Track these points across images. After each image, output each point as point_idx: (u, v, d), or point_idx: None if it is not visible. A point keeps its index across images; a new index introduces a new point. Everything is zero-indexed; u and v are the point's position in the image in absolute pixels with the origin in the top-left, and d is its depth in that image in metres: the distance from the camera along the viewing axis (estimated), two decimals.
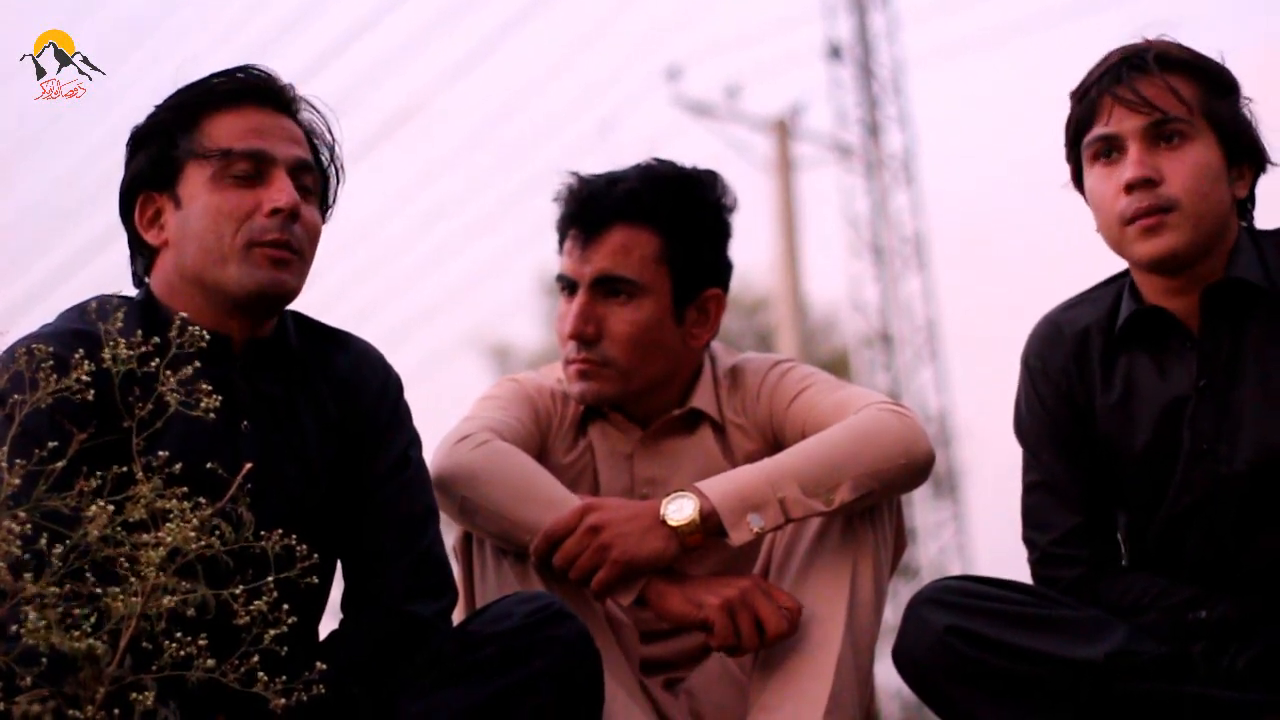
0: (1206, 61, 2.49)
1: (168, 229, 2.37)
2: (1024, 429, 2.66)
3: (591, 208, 2.87)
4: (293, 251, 2.34)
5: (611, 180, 2.90)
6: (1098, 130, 2.48)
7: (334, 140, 2.48)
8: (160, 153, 2.38)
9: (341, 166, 2.50)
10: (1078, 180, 2.57)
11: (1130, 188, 2.43)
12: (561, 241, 2.93)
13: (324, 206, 2.48)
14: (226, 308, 2.34)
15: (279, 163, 2.36)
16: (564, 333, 2.88)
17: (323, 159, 2.47)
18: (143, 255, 2.42)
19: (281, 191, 2.33)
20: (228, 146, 2.34)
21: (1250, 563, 2.47)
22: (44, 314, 2.35)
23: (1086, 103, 2.49)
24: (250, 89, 2.39)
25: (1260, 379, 2.46)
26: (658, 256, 2.86)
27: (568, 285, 2.88)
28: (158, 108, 2.41)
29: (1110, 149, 2.47)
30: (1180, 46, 2.50)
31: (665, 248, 2.86)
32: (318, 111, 2.46)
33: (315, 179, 2.42)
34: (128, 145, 2.42)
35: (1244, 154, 2.49)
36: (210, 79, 2.40)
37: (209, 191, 2.34)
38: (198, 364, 1.96)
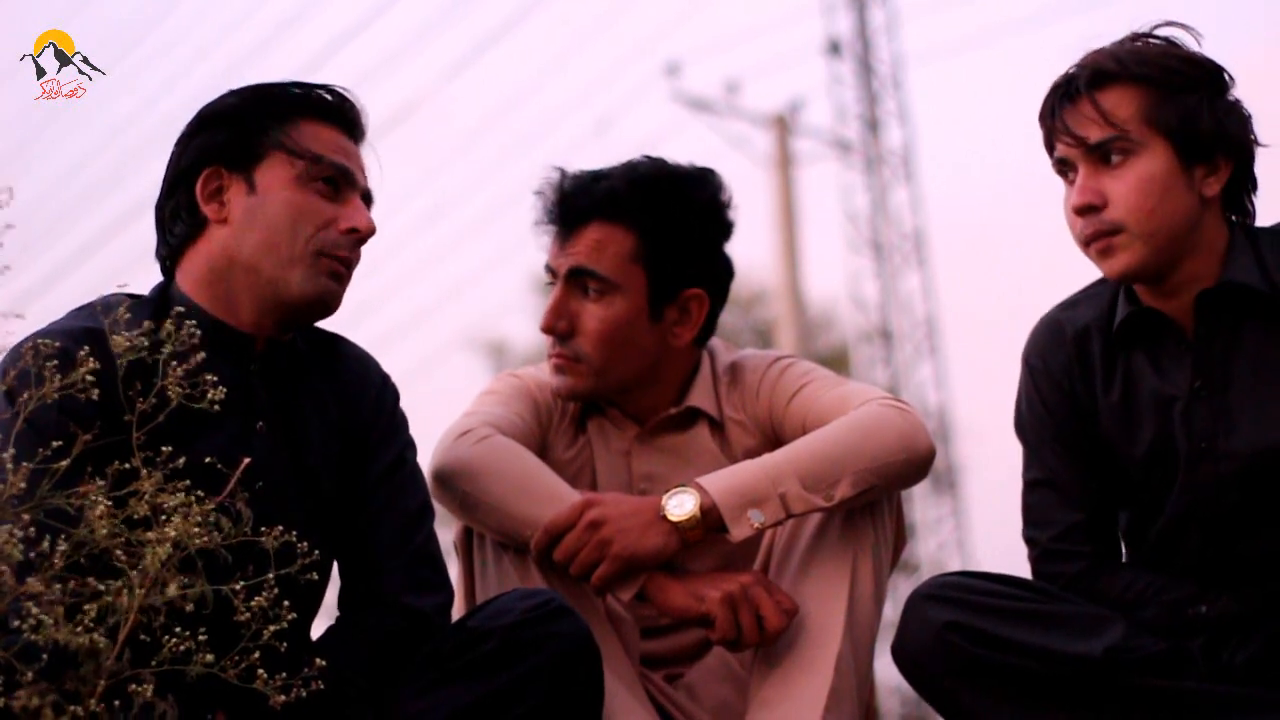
0: (1154, 65, 2.44)
1: (232, 208, 2.36)
2: (1024, 427, 2.66)
3: (569, 203, 2.88)
4: (350, 270, 2.40)
5: (595, 177, 2.90)
6: (1053, 153, 2.50)
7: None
8: (245, 134, 2.38)
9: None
10: None
11: (1078, 212, 2.45)
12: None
13: None
14: (269, 305, 2.35)
15: (357, 187, 2.42)
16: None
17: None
18: (189, 227, 2.37)
19: (360, 214, 2.40)
20: (320, 153, 2.38)
21: (1250, 560, 2.48)
22: (41, 311, 2.35)
23: (1043, 128, 2.51)
24: (344, 112, 2.44)
25: (1256, 380, 2.45)
26: (632, 255, 2.85)
27: (552, 277, 2.89)
28: (239, 92, 2.42)
29: (1065, 171, 2.49)
30: (1129, 52, 2.45)
31: (641, 247, 2.85)
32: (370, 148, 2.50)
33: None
34: (198, 119, 2.42)
35: (1210, 150, 2.44)
36: (310, 85, 2.44)
37: (292, 189, 2.36)
38: (202, 356, 1.96)
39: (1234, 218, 2.51)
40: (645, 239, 2.86)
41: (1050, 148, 2.51)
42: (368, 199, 2.45)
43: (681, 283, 2.89)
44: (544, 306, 2.86)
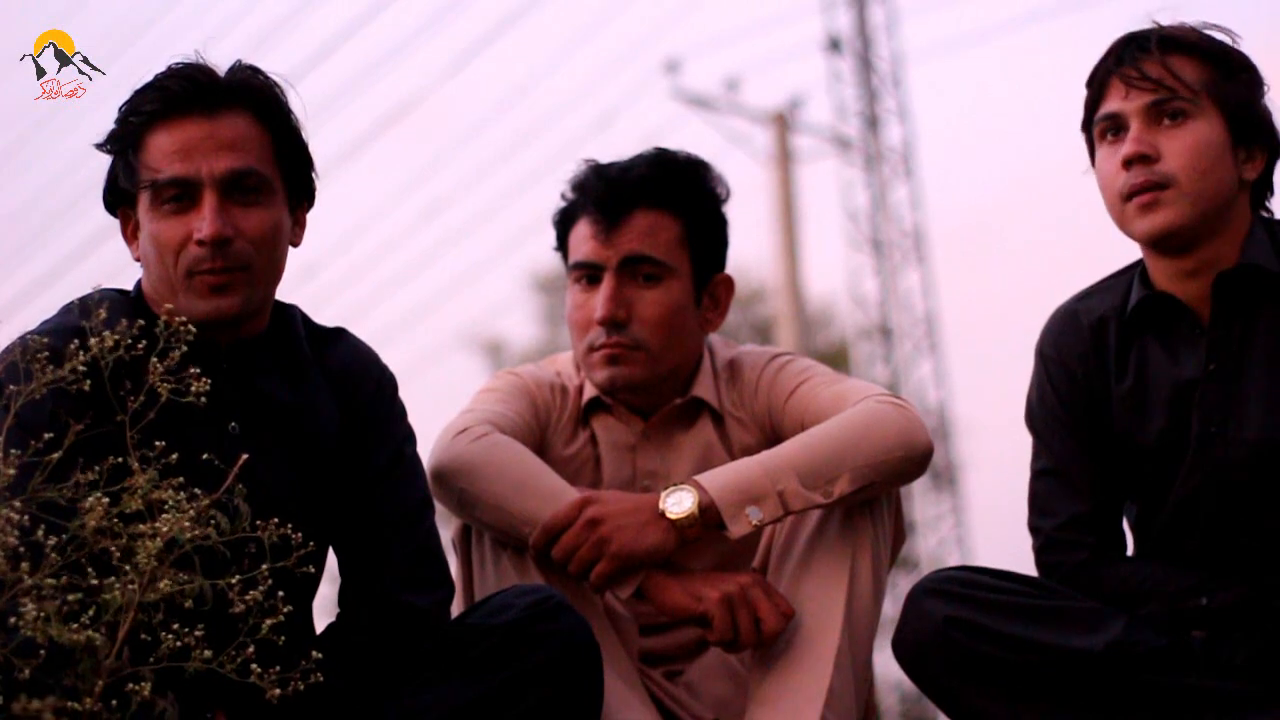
0: (1215, 43, 2.51)
1: (139, 247, 2.37)
2: (1035, 417, 2.67)
3: (612, 193, 2.88)
4: (234, 271, 2.30)
5: (625, 167, 2.91)
6: (1104, 109, 2.51)
7: (288, 110, 2.38)
8: (115, 177, 2.36)
9: (299, 137, 2.39)
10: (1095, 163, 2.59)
11: (1128, 163, 2.46)
12: (565, 231, 2.93)
13: (295, 186, 2.41)
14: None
15: (205, 183, 2.29)
16: (586, 320, 2.87)
17: (290, 134, 2.38)
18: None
19: (205, 220, 2.28)
20: (153, 176, 2.30)
21: (1255, 548, 2.48)
22: (39, 310, 2.35)
23: (1096, 84, 2.53)
24: (173, 100, 2.31)
25: (1269, 365, 2.47)
26: (680, 239, 2.88)
27: (590, 272, 2.89)
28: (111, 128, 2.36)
29: (1115, 127, 2.50)
30: (1189, 29, 2.52)
31: (685, 231, 2.89)
32: (266, 83, 2.37)
33: (259, 177, 2.33)
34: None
35: (1253, 136, 2.50)
36: (140, 93, 2.33)
37: (150, 220, 2.32)
38: (185, 352, 1.96)
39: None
40: (688, 223, 2.89)
41: (1100, 104, 2.52)
42: (239, 175, 2.30)
43: (714, 267, 2.94)
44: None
